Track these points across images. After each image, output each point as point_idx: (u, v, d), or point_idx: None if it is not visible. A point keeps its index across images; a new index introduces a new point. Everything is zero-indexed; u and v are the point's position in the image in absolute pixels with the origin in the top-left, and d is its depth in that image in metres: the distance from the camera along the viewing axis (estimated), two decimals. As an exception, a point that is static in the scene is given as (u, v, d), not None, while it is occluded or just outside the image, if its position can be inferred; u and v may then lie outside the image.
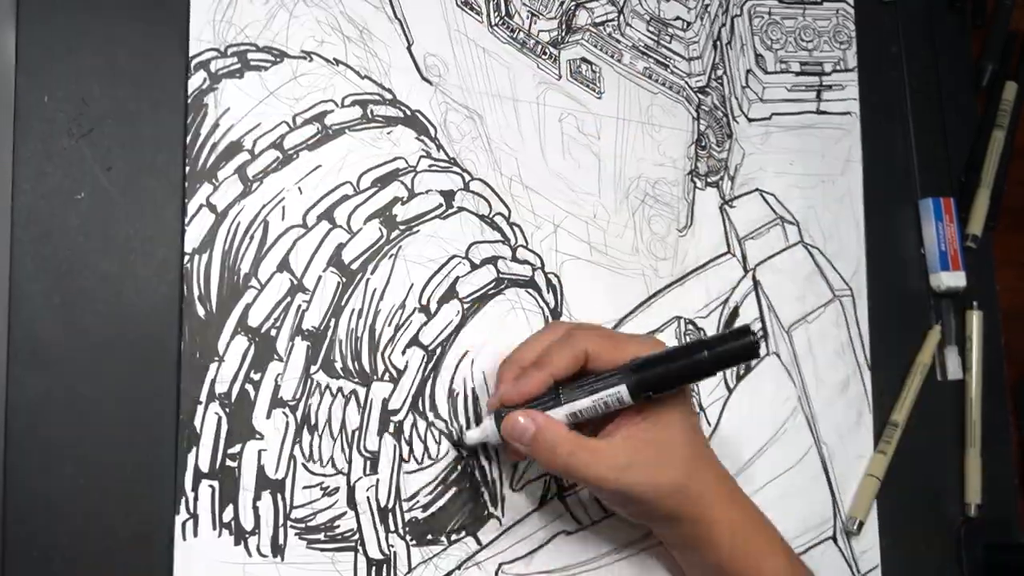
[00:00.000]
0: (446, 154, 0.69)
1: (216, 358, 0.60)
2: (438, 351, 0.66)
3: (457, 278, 0.68)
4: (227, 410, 0.60)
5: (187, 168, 0.61)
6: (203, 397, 0.60)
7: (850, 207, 0.84)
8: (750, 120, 0.81)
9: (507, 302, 0.69)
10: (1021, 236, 0.94)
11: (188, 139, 0.61)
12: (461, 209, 0.69)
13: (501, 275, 0.69)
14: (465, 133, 0.70)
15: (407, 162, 0.67)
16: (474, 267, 0.69)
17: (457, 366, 0.67)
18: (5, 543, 0.55)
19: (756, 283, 0.79)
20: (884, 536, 0.80)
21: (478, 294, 0.68)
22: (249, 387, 0.61)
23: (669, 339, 0.74)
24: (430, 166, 0.68)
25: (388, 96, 0.68)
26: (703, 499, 0.63)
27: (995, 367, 0.89)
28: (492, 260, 0.69)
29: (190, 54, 0.62)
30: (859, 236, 0.84)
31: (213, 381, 0.60)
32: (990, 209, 0.90)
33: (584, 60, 0.75)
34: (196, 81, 0.62)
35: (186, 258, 0.60)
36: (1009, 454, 0.89)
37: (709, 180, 0.79)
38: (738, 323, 0.78)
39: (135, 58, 0.62)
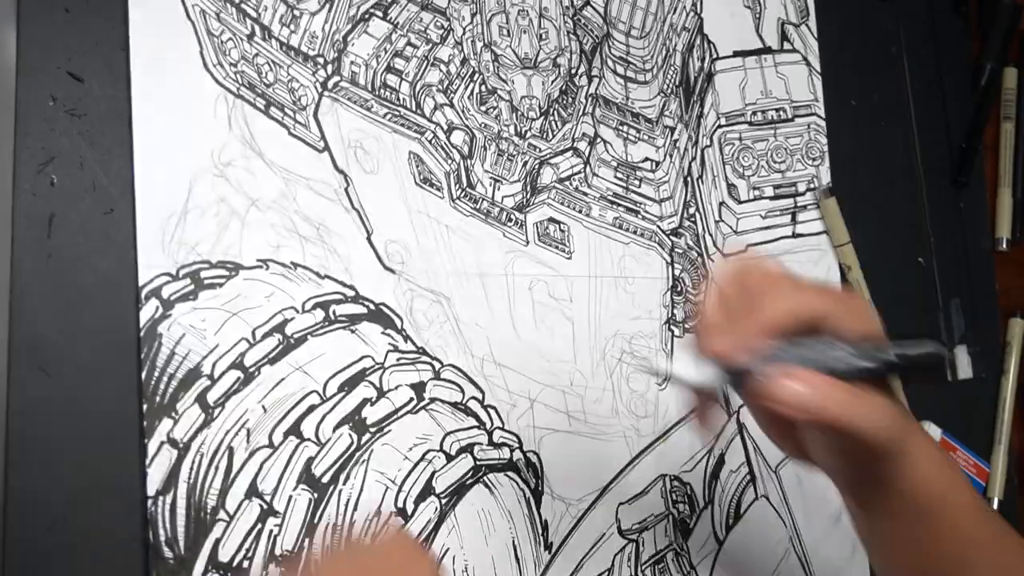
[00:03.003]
0: (414, 344, 0.67)
1: (188, 601, 0.58)
2: (418, 553, 0.64)
3: (433, 473, 0.66)
4: (203, 654, 0.58)
5: (144, 406, 0.59)
6: (177, 645, 0.58)
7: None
8: (725, 256, 0.79)
9: (485, 490, 0.67)
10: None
11: (144, 375, 0.59)
12: (433, 400, 0.67)
13: (478, 463, 0.67)
14: (432, 319, 0.67)
15: (374, 359, 0.65)
16: (450, 459, 0.66)
17: (438, 566, 0.65)
18: None
19: (741, 426, 0.77)
20: None
21: (455, 487, 0.66)
22: (224, 626, 0.59)
23: (655, 499, 0.73)
24: (398, 360, 0.66)
25: (350, 293, 0.65)
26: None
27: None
28: (468, 448, 0.67)
29: (140, 283, 0.60)
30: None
31: (186, 626, 0.58)
32: (1014, 209, 0.89)
33: (552, 220, 0.72)
34: (148, 311, 0.60)
35: (150, 502, 0.58)
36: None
37: (687, 327, 0.76)
38: (723, 471, 0.76)
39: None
